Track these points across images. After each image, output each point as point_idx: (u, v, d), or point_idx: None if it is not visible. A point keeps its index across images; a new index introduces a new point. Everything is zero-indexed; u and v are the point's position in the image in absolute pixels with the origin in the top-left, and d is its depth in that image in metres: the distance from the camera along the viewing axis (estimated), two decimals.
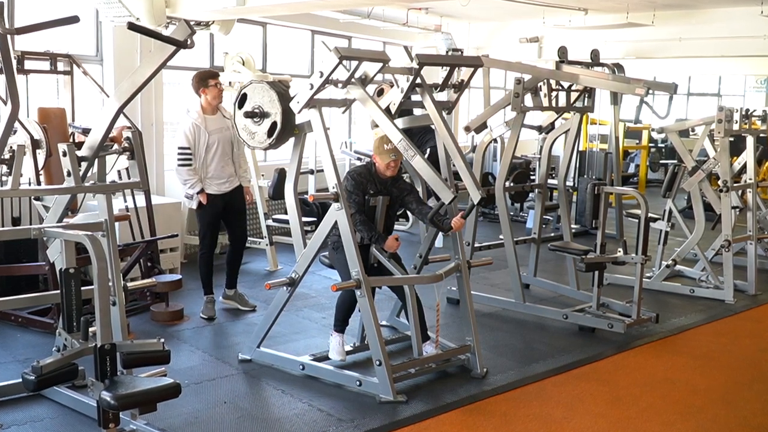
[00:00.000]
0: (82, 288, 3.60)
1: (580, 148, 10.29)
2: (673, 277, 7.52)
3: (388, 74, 5.03)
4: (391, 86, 5.07)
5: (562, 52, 7.70)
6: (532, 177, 9.49)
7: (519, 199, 9.74)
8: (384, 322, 5.66)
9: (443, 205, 4.64)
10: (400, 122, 5.13)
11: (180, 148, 5.63)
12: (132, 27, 3.96)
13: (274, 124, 4.78)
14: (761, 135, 8.10)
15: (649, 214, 6.11)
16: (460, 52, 10.06)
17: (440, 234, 5.92)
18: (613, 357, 5.42)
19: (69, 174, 3.99)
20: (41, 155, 5.37)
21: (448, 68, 5.19)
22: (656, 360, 5.41)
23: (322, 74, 4.44)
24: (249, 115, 4.80)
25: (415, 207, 4.95)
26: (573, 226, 7.63)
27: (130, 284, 4.38)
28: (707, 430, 4.29)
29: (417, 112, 5.79)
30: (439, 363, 4.89)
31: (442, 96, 5.45)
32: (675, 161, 9.42)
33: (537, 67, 7.12)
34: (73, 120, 6.58)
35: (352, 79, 4.68)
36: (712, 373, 5.20)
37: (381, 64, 4.72)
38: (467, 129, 6.80)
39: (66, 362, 3.46)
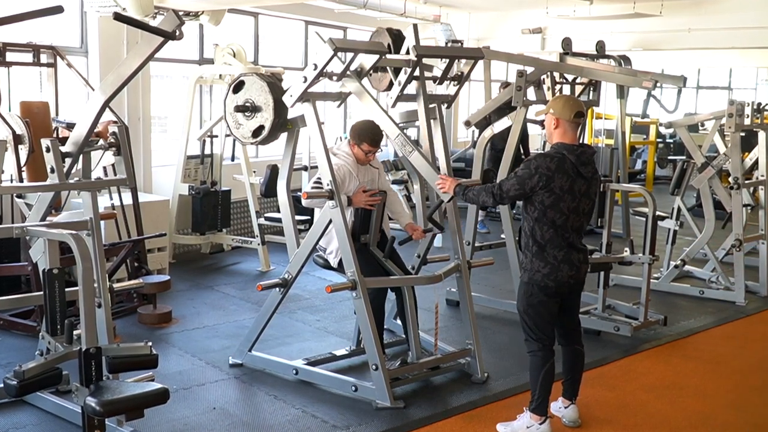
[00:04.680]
0: (67, 289, 3.60)
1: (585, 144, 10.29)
2: (682, 278, 7.53)
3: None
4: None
5: (567, 43, 7.72)
6: None
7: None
8: None
9: (441, 203, 4.65)
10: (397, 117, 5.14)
11: None
12: (118, 17, 3.96)
13: (261, 128, 4.78)
14: None
15: (657, 213, 6.12)
16: (459, 44, 10.06)
17: (439, 233, 5.93)
18: (619, 361, 5.43)
19: (52, 171, 3.99)
20: (24, 151, 5.37)
21: (448, 60, 5.20)
22: (664, 364, 5.42)
23: (316, 66, 4.44)
24: (240, 108, 4.80)
25: None
26: None
27: (116, 285, 4.39)
28: None
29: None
30: (438, 367, 4.90)
31: (441, 89, 5.46)
32: (684, 157, 9.44)
33: (540, 60, 7.15)
34: (57, 114, 6.57)
35: (348, 72, 4.69)
36: (722, 378, 5.22)
37: (378, 56, 4.73)
38: (467, 123, 6.81)
39: (49, 367, 3.47)
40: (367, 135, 4.84)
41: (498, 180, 4.78)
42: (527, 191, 3.99)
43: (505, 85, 9.62)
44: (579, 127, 4.10)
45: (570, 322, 4.29)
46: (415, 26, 4.93)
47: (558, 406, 4.37)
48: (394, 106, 5.04)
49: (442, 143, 5.09)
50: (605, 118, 11.04)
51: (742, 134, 7.19)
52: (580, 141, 4.59)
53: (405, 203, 5.10)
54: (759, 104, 7.46)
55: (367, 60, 4.78)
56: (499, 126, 6.47)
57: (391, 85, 5.08)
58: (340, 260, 4.76)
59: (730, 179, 7.08)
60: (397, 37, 5.27)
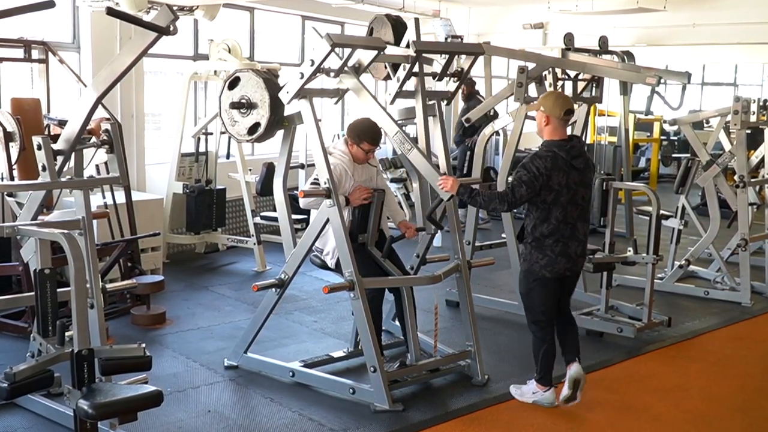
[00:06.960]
0: (58, 290, 3.60)
1: (588, 141, 10.30)
2: (687, 278, 7.54)
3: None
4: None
5: (569, 39, 7.70)
6: None
7: None
8: None
9: (441, 202, 4.65)
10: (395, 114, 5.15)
11: None
12: (111, 12, 3.96)
13: (257, 125, 4.78)
14: None
15: (661, 212, 6.12)
16: (459, 39, 10.07)
17: (439, 233, 5.93)
18: (622, 363, 5.44)
19: (44, 168, 3.99)
20: (15, 149, 5.37)
21: (447, 56, 5.20)
22: (668, 366, 5.43)
23: (313, 63, 4.44)
24: (236, 105, 4.80)
25: None
26: None
27: (109, 286, 4.39)
28: None
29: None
30: (437, 369, 4.90)
31: (440, 85, 5.47)
32: (688, 155, 9.44)
33: (542, 55, 7.14)
34: (49, 111, 6.57)
35: (345, 68, 4.69)
36: (727, 380, 5.23)
37: (376, 52, 4.73)
38: (467, 120, 6.82)
39: (41, 369, 3.47)
40: (368, 134, 4.83)
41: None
42: (537, 192, 4.34)
43: (469, 83, 9.62)
44: (568, 124, 4.43)
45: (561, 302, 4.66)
46: (416, 20, 4.95)
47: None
48: (392, 102, 5.04)
49: (442, 141, 5.10)
50: (608, 115, 11.03)
51: (748, 131, 7.18)
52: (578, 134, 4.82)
53: (403, 201, 5.12)
54: (765, 101, 7.46)
55: (365, 56, 4.78)
56: (499, 124, 6.48)
57: (389, 75, 5.10)
58: (338, 261, 4.76)
59: (736, 177, 7.08)
60: (397, 23, 5.29)
